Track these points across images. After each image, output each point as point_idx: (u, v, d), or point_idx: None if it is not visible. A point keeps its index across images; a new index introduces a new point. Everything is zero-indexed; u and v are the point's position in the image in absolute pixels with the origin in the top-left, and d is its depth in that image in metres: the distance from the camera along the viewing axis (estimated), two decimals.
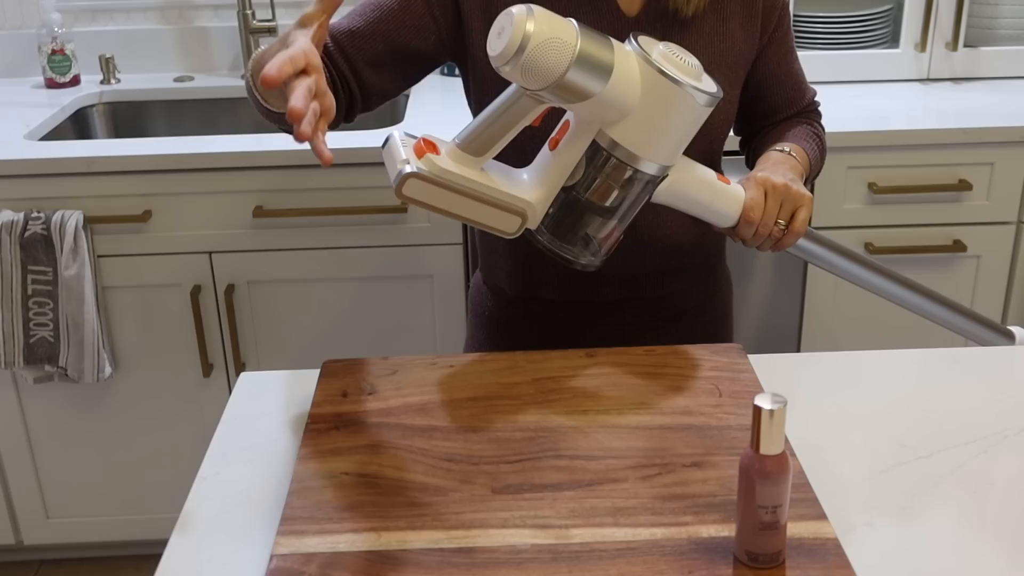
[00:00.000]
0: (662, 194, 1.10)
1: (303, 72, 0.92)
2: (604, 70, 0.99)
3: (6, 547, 2.19)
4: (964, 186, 1.96)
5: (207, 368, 2.01)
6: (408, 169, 1.00)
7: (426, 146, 1.02)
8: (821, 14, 2.22)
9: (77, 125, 2.27)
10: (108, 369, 1.96)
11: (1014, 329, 1.35)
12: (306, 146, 0.94)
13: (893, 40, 2.26)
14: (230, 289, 1.96)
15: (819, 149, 1.32)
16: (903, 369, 1.18)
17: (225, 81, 2.38)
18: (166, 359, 2.02)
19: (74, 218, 1.86)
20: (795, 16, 2.18)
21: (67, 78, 2.32)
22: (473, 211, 1.04)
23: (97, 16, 2.41)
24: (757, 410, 0.79)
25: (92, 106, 2.32)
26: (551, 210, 1.08)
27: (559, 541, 0.87)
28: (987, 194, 1.99)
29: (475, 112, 1.28)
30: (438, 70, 1.36)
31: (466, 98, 1.31)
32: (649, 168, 1.06)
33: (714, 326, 1.40)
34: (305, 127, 0.88)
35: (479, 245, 1.38)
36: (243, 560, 0.88)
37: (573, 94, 0.99)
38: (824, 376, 1.16)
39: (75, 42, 2.34)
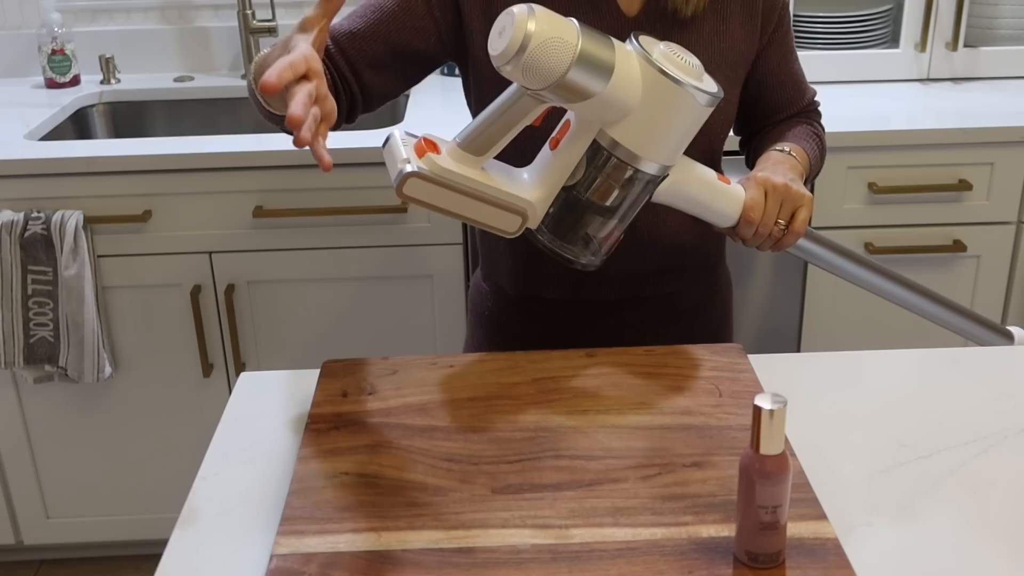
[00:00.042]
0: (662, 194, 1.10)
1: (304, 77, 0.93)
2: (605, 70, 0.99)
3: (6, 547, 2.19)
4: (964, 186, 1.96)
5: (207, 368, 2.01)
6: (409, 168, 1.00)
7: (427, 145, 1.02)
8: (821, 14, 2.22)
9: (77, 125, 2.27)
10: (108, 369, 1.96)
11: (1013, 329, 1.35)
12: (307, 149, 0.94)
13: (893, 40, 2.26)
14: (230, 289, 1.96)
15: (819, 149, 1.32)
16: (903, 369, 1.18)
17: (225, 81, 2.38)
18: (166, 359, 2.02)
19: (74, 218, 1.86)
20: (795, 16, 2.18)
21: (67, 78, 2.32)
22: (474, 210, 1.04)
23: (97, 16, 2.41)
24: (757, 410, 0.79)
25: (92, 106, 2.32)
26: (551, 210, 1.08)
27: (559, 541, 0.87)
28: (987, 194, 1.99)
29: (475, 112, 1.28)
30: (438, 70, 1.36)
31: (466, 98, 1.31)
32: (650, 168, 1.06)
33: (714, 326, 1.40)
34: (304, 133, 0.88)
35: (480, 244, 1.38)
36: (243, 560, 0.88)
37: (574, 94, 0.99)
38: (824, 376, 1.16)
39: (75, 42, 2.34)
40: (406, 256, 1.96)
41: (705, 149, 1.22)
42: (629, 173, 1.06)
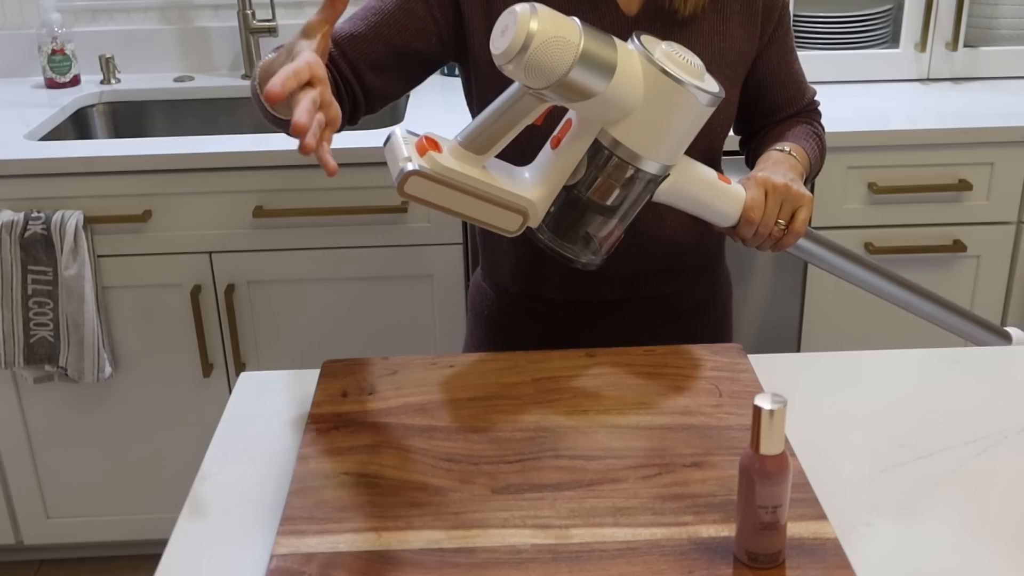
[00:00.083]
0: (663, 193, 1.10)
1: (308, 84, 0.93)
2: (607, 69, 0.99)
3: (6, 547, 2.19)
4: (964, 186, 1.96)
5: (207, 368, 2.01)
6: (410, 167, 1.00)
7: (428, 144, 1.02)
8: (821, 14, 2.22)
9: (77, 125, 2.27)
10: (108, 369, 1.96)
11: (1011, 330, 1.36)
12: None
13: (893, 40, 2.26)
14: (230, 289, 1.96)
15: (819, 148, 1.32)
16: (903, 369, 1.18)
17: (225, 81, 2.38)
18: (166, 359, 2.02)
19: (74, 218, 1.86)
20: (795, 16, 2.18)
21: (67, 78, 2.32)
22: (475, 209, 1.04)
23: (97, 16, 2.41)
24: (757, 410, 0.79)
25: (92, 106, 2.32)
26: (552, 209, 1.08)
27: (559, 541, 0.87)
28: (987, 194, 1.99)
29: (475, 113, 1.28)
30: (438, 70, 1.36)
31: (466, 98, 1.31)
32: (651, 167, 1.06)
33: (713, 326, 1.40)
34: (309, 140, 0.89)
35: (481, 244, 1.38)
36: (243, 560, 0.88)
37: (576, 93, 0.99)
38: (824, 376, 1.16)
39: (75, 42, 2.34)
40: (406, 256, 1.96)
41: (705, 149, 1.22)
42: (630, 172, 1.06)
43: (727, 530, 0.87)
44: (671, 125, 1.04)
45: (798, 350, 2.08)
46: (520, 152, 1.10)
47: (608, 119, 1.03)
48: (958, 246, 2.01)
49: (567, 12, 1.03)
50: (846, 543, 0.87)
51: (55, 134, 2.13)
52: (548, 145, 1.08)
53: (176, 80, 2.38)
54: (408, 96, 2.18)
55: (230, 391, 1.36)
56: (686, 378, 1.11)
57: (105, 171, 1.87)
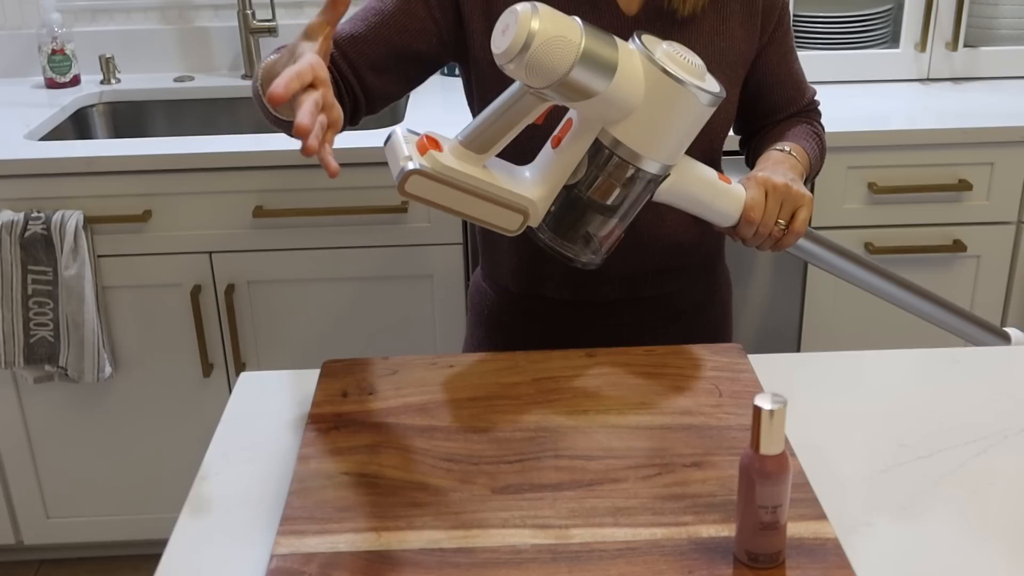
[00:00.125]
0: (664, 193, 1.10)
1: (310, 86, 0.93)
2: (608, 68, 0.99)
3: (6, 547, 2.19)
4: (964, 186, 1.96)
5: (207, 368, 2.01)
6: (411, 166, 1.00)
7: (429, 143, 1.02)
8: (821, 14, 2.22)
9: (77, 125, 2.27)
10: (108, 369, 1.96)
11: (1010, 331, 1.36)
12: None
13: (893, 40, 2.26)
14: (230, 289, 1.96)
15: (819, 148, 1.32)
16: (903, 369, 1.18)
17: (225, 81, 2.38)
18: (166, 359, 2.02)
19: (74, 218, 1.86)
20: (795, 16, 2.18)
21: (67, 78, 2.32)
22: (475, 208, 1.04)
23: (97, 16, 2.41)
24: (757, 410, 0.79)
25: (92, 106, 2.32)
26: (553, 208, 1.08)
27: (559, 541, 0.87)
28: (987, 194, 1.99)
29: (476, 113, 1.28)
30: (438, 70, 1.36)
31: (467, 98, 1.31)
32: (651, 167, 1.06)
33: (713, 326, 1.40)
34: (312, 141, 0.89)
35: (481, 244, 1.38)
36: (243, 560, 0.88)
37: (577, 92, 0.99)
38: (824, 376, 1.16)
39: (75, 42, 2.34)
40: (406, 256, 1.96)
41: (705, 148, 1.22)
42: (631, 172, 1.06)
43: (727, 530, 0.87)
44: (672, 125, 1.04)
45: (798, 350, 2.08)
46: (521, 151, 1.10)
47: (609, 119, 1.03)
48: (958, 246, 2.01)
49: (566, 12, 1.03)
50: (846, 543, 0.87)
51: (55, 134, 2.13)
52: (549, 144, 1.08)
53: (176, 80, 2.38)
54: (408, 96, 2.18)
55: (230, 391, 1.36)
56: (686, 378, 1.11)
57: (105, 171, 1.87)
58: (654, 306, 1.34)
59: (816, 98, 1.38)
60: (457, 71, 1.31)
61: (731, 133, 1.33)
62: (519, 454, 0.98)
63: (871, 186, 1.96)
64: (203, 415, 2.05)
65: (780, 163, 1.21)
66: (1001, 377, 1.15)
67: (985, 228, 2.01)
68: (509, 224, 1.06)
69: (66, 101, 2.24)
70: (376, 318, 2.01)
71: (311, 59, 0.95)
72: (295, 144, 1.36)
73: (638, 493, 0.92)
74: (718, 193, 1.13)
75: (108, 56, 2.34)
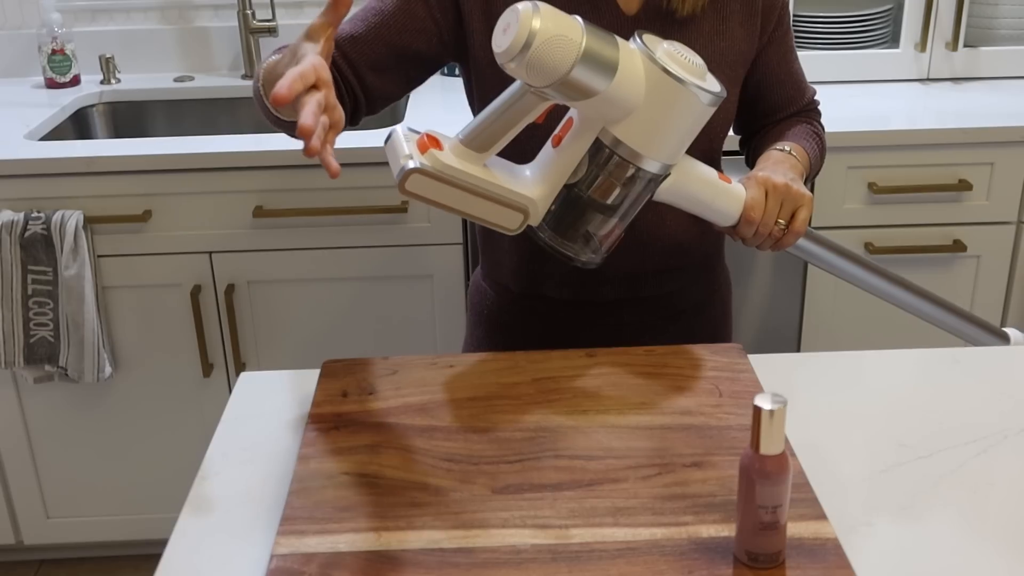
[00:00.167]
0: (664, 192, 1.10)
1: (313, 87, 0.93)
2: (609, 68, 0.99)
3: (6, 547, 2.19)
4: (964, 186, 1.96)
5: (207, 368, 2.01)
6: (411, 165, 1.00)
7: (429, 142, 1.02)
8: (821, 14, 2.22)
9: (77, 125, 2.27)
10: (108, 369, 1.96)
11: (1009, 331, 1.36)
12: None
13: (893, 40, 2.26)
14: (230, 289, 1.96)
15: (819, 148, 1.32)
16: (903, 369, 1.18)
17: (225, 81, 2.38)
18: (166, 359, 2.02)
19: (74, 218, 1.86)
20: (795, 16, 2.18)
21: (67, 78, 2.32)
22: (475, 207, 1.04)
23: (97, 16, 2.41)
24: (757, 410, 0.79)
25: (92, 106, 2.32)
26: (553, 207, 1.08)
27: (559, 541, 0.86)
28: (987, 194, 1.99)
29: (476, 112, 1.28)
30: (439, 70, 1.36)
31: (467, 98, 1.31)
32: (652, 167, 1.06)
33: (713, 325, 1.40)
34: (315, 142, 0.89)
35: (481, 243, 1.38)
36: (243, 560, 0.88)
37: (578, 91, 0.99)
38: (824, 376, 1.16)
39: (75, 42, 2.34)
40: (406, 256, 1.96)
41: (705, 148, 1.22)
42: (631, 172, 1.06)
43: (727, 530, 0.87)
44: (672, 124, 1.04)
45: (798, 350, 2.08)
46: (521, 150, 1.10)
47: (609, 118, 1.03)
48: (958, 246, 2.01)
49: (567, 11, 1.03)
50: (846, 543, 0.87)
51: (55, 134, 2.13)
52: (549, 143, 1.08)
53: (176, 80, 2.38)
54: (408, 96, 2.18)
55: (230, 391, 1.36)
56: (686, 378, 1.11)
57: (105, 171, 1.87)
58: (654, 306, 1.34)
59: (816, 98, 1.38)
60: (457, 71, 1.31)
61: (731, 133, 1.33)
62: (519, 454, 0.98)
63: (871, 186, 1.96)
64: (203, 415, 2.05)
65: (780, 163, 1.21)
66: (1001, 377, 1.15)
67: (985, 228, 2.01)
68: (509, 223, 1.06)
69: (66, 101, 2.24)
70: (376, 318, 2.01)
71: (314, 60, 0.95)
72: (295, 144, 1.37)
73: (638, 493, 0.92)
74: (718, 193, 1.13)
75: (108, 56, 2.34)
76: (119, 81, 2.37)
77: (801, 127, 1.32)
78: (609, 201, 1.08)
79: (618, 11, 1.20)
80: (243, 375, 1.17)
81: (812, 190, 1.42)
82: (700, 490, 0.93)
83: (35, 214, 1.86)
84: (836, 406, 1.09)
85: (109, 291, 1.96)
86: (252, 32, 2.33)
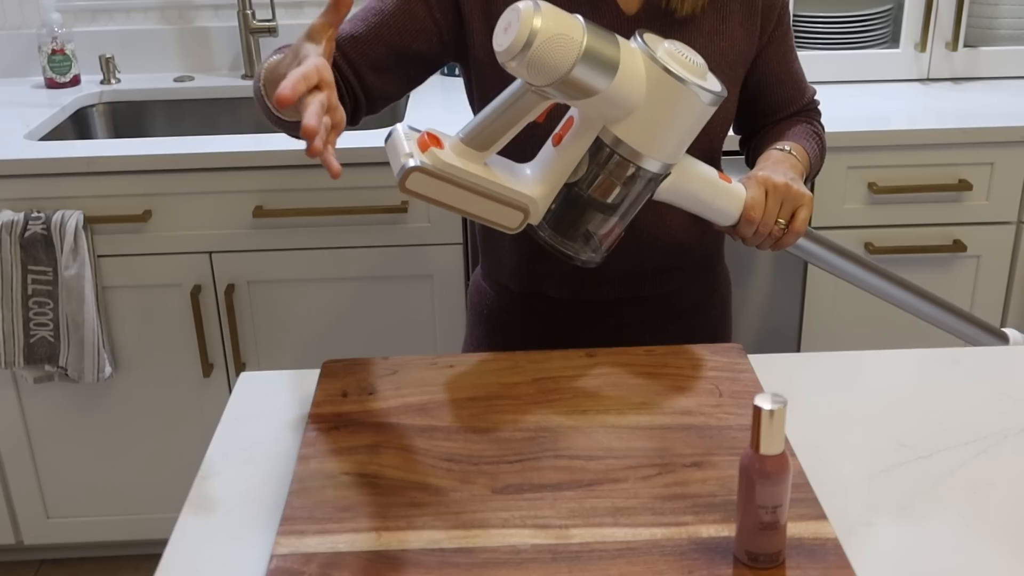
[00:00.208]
0: (664, 192, 1.11)
1: (315, 87, 0.94)
2: (610, 67, 0.99)
3: (6, 547, 2.19)
4: (964, 186, 1.96)
5: (207, 368, 2.01)
6: (412, 163, 1.00)
7: (430, 140, 1.02)
8: (821, 14, 2.22)
9: (77, 125, 2.27)
10: (108, 369, 1.96)
11: (1008, 331, 1.36)
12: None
13: (893, 40, 2.26)
14: (230, 289, 1.96)
15: (819, 148, 1.32)
16: (903, 369, 1.18)
17: (225, 81, 2.38)
18: (166, 359, 2.02)
19: (74, 218, 1.86)
20: (795, 16, 2.18)
21: (67, 78, 2.32)
22: (476, 206, 1.04)
23: (97, 16, 2.41)
24: (757, 410, 0.79)
25: (92, 106, 2.32)
26: (553, 206, 1.08)
27: (559, 541, 0.86)
28: (987, 194, 1.99)
29: (476, 112, 1.28)
30: (439, 70, 1.36)
31: (468, 98, 1.31)
32: (652, 166, 1.06)
33: (713, 325, 1.40)
34: (318, 143, 0.90)
35: (481, 242, 1.38)
36: (243, 560, 0.88)
37: (578, 90, 0.99)
38: (824, 376, 1.16)
39: (75, 42, 2.34)
40: (406, 256, 1.96)
41: (705, 148, 1.22)
42: (631, 171, 1.06)
43: (727, 530, 0.87)
44: (673, 124, 1.04)
45: (798, 350, 2.08)
46: (521, 149, 1.10)
47: (610, 117, 1.03)
48: (958, 246, 2.01)
49: (566, 10, 1.03)
50: (846, 543, 0.87)
51: (55, 134, 2.13)
52: (550, 142, 1.08)
53: (176, 80, 2.38)
54: (408, 96, 2.18)
55: (230, 391, 1.36)
56: (686, 378, 1.11)
57: (105, 171, 1.87)
58: (654, 305, 1.34)
59: (816, 97, 1.38)
60: (457, 71, 1.31)
61: (731, 133, 1.33)
62: (519, 454, 0.98)
63: (871, 186, 1.96)
64: (203, 415, 2.05)
65: (780, 162, 1.21)
66: (1001, 377, 1.15)
67: (985, 228, 2.01)
68: (509, 222, 1.06)
69: (66, 101, 2.24)
70: (376, 318, 2.01)
71: (316, 61, 0.95)
72: (295, 144, 1.37)
73: (638, 493, 0.92)
74: (718, 192, 1.13)
75: (108, 56, 2.34)
76: (119, 81, 2.37)
77: (801, 127, 1.32)
78: (609, 200, 1.08)
79: (618, 11, 1.20)
80: (243, 375, 1.17)
81: (812, 190, 1.42)
82: (700, 490, 0.93)
83: (35, 214, 1.86)
84: (836, 406, 1.09)
85: (109, 291, 1.96)
86: (252, 32, 2.33)
